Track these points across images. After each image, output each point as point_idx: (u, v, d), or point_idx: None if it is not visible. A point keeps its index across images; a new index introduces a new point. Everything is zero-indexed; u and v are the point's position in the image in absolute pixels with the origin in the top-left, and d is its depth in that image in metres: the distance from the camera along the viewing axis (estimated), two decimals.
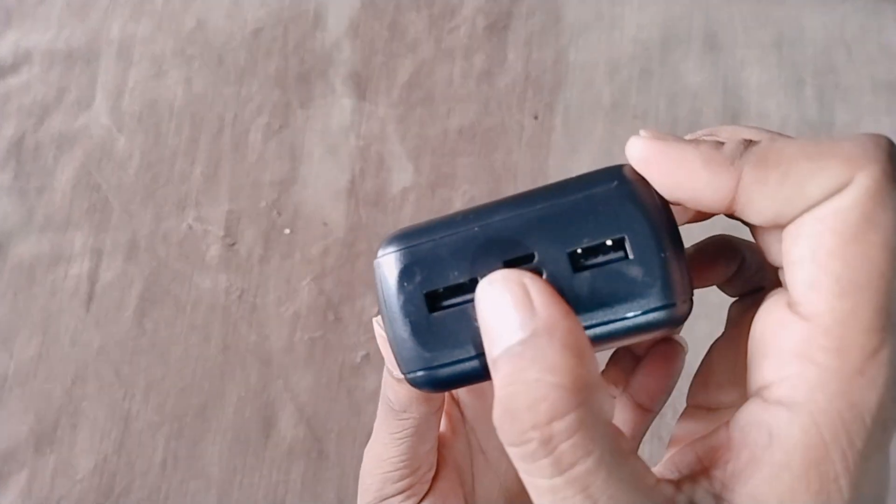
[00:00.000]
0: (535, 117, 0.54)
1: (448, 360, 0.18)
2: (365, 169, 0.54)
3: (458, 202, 0.53)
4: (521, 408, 0.14)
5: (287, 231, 0.52)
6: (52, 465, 0.49)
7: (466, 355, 0.17)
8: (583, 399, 0.14)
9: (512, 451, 0.15)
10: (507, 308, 0.15)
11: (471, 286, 0.18)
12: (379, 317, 0.20)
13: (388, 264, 0.18)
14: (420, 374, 0.18)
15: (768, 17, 0.56)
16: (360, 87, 0.55)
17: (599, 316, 0.17)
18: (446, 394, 0.25)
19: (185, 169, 0.54)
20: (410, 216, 0.52)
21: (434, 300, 0.18)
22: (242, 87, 0.55)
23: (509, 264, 0.17)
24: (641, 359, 0.23)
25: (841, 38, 0.55)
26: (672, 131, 0.54)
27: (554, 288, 0.15)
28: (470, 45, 0.56)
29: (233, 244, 0.52)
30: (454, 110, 0.55)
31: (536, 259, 0.17)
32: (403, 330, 0.18)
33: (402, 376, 0.20)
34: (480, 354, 0.17)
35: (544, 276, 0.17)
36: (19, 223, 0.53)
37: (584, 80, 0.55)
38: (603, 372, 0.24)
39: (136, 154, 0.54)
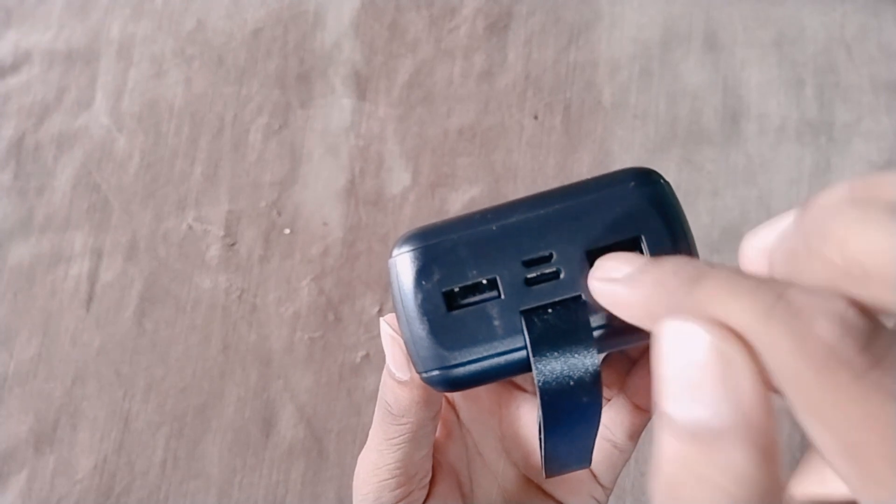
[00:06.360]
0: (535, 117, 0.54)
1: (466, 360, 0.17)
2: (365, 169, 0.53)
3: (458, 202, 0.53)
4: (686, 502, 0.12)
5: (287, 231, 0.52)
6: (51, 465, 0.49)
7: (484, 354, 0.17)
8: None
9: None
10: (705, 374, 0.12)
11: (490, 285, 0.18)
12: (387, 316, 0.20)
13: (405, 263, 0.18)
14: (436, 373, 0.18)
15: (768, 17, 0.56)
16: (360, 87, 0.55)
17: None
18: (443, 399, 0.24)
19: (185, 169, 0.54)
20: (410, 216, 0.52)
21: (451, 299, 0.18)
22: (242, 87, 0.55)
23: (528, 264, 0.17)
24: (637, 360, 0.23)
25: (841, 37, 0.55)
26: (672, 131, 0.54)
27: (759, 370, 0.12)
28: (470, 45, 0.56)
29: (233, 244, 0.52)
30: (454, 110, 0.55)
31: (555, 258, 0.17)
32: (421, 328, 0.18)
33: (405, 378, 0.19)
34: (498, 354, 0.17)
35: (562, 276, 0.17)
36: (19, 223, 0.53)
37: (584, 80, 0.55)
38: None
39: (136, 154, 0.54)
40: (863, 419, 0.11)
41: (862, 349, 0.11)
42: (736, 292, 0.12)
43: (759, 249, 0.15)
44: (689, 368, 0.12)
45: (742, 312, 0.12)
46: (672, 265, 0.14)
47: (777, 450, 0.12)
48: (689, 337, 0.13)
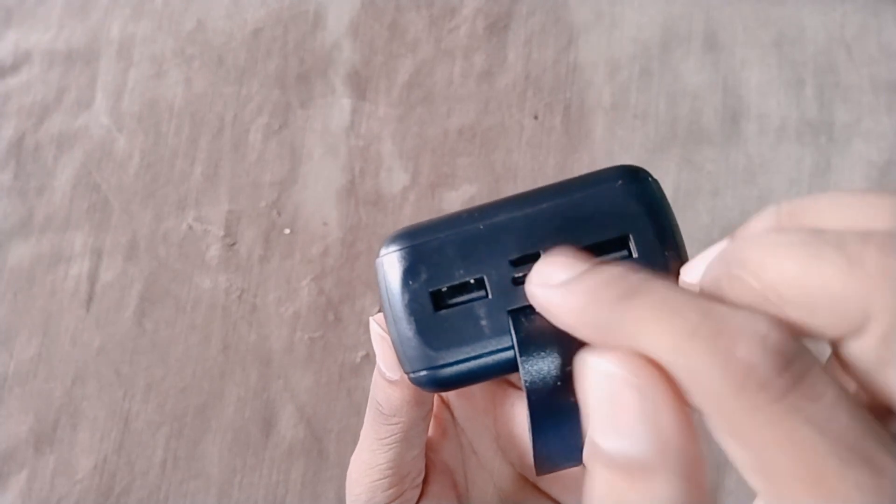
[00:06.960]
0: (535, 117, 0.54)
1: (453, 360, 0.17)
2: (365, 169, 0.54)
3: (458, 202, 0.53)
4: None
5: (287, 231, 0.52)
6: (51, 465, 0.49)
7: (472, 354, 0.17)
8: None
9: None
10: (623, 409, 0.12)
11: (477, 285, 0.18)
12: (376, 315, 0.20)
13: (392, 263, 0.18)
14: (424, 373, 0.18)
15: (768, 17, 0.56)
16: (360, 87, 0.55)
17: None
18: (435, 397, 0.24)
19: (185, 169, 0.54)
20: (410, 216, 0.52)
21: (439, 299, 0.18)
22: (242, 87, 0.55)
23: (515, 263, 0.17)
24: None
25: (841, 38, 0.55)
26: (672, 131, 0.54)
27: (680, 398, 0.12)
28: (470, 45, 0.56)
29: (233, 244, 0.52)
30: (454, 110, 0.55)
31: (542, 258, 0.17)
32: (408, 329, 0.18)
33: (395, 378, 0.20)
34: (485, 354, 0.17)
35: None
36: (19, 223, 0.53)
37: (583, 80, 0.55)
38: None
39: (136, 154, 0.54)
40: (777, 441, 0.11)
41: (781, 372, 0.11)
42: (661, 313, 0.12)
43: (690, 284, 0.16)
44: (609, 403, 0.13)
45: (664, 335, 0.12)
46: (607, 277, 0.14)
47: (703, 474, 0.12)
48: (604, 373, 0.13)
